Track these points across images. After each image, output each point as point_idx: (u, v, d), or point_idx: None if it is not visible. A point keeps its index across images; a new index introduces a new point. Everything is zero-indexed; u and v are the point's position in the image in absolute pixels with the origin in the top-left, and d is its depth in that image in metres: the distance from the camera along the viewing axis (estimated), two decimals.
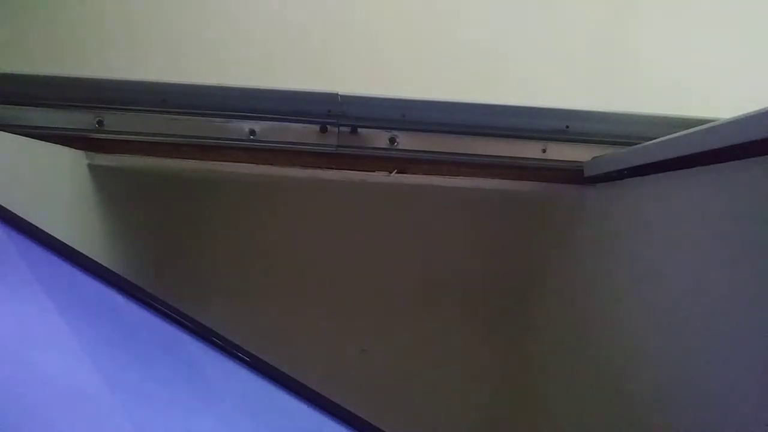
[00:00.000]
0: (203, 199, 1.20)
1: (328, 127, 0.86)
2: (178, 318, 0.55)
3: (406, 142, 0.87)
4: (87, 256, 0.56)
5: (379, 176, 0.88)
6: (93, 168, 0.87)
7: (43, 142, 0.77)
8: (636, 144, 0.76)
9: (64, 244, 0.56)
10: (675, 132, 0.66)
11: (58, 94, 0.84)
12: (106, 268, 0.56)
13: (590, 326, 0.85)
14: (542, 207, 1.06)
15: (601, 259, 0.84)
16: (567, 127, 0.86)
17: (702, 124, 0.59)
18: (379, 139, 0.87)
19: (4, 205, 0.56)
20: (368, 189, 0.93)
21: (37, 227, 0.56)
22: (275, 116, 0.86)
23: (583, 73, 1.10)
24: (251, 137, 0.86)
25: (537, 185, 0.90)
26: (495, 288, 1.24)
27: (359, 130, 0.86)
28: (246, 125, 0.86)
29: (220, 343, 0.54)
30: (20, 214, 0.56)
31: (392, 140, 0.87)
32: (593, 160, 0.85)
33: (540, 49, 1.10)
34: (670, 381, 0.61)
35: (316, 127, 0.86)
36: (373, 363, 1.25)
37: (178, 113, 0.85)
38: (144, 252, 1.10)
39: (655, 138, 0.71)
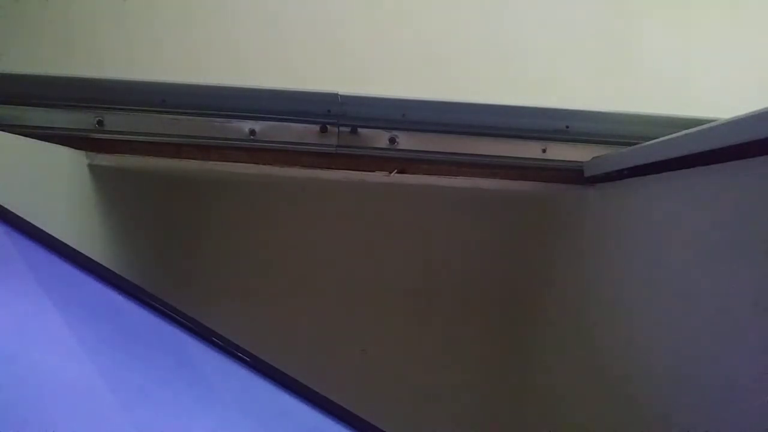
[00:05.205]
0: (203, 199, 1.20)
1: (328, 127, 0.86)
2: (178, 318, 0.55)
3: (406, 142, 0.87)
4: (87, 256, 0.56)
5: (379, 176, 0.88)
6: (93, 168, 0.87)
7: (43, 142, 0.77)
8: (636, 144, 0.76)
9: (64, 244, 0.56)
10: (675, 132, 0.66)
11: (58, 94, 0.84)
12: (106, 268, 0.56)
13: (590, 325, 0.86)
14: (542, 207, 1.06)
15: (602, 259, 0.84)
16: (567, 127, 0.86)
17: (702, 124, 0.59)
18: (379, 139, 0.87)
19: (4, 205, 0.56)
20: (368, 189, 0.92)
21: (37, 227, 0.56)
22: (275, 116, 0.86)
23: (584, 73, 1.10)
24: (251, 137, 0.86)
25: (537, 185, 0.90)
26: (495, 287, 1.24)
27: (359, 130, 0.86)
28: (246, 125, 0.86)
29: (220, 343, 0.54)
30: (20, 214, 0.56)
31: (392, 140, 0.86)
32: (593, 160, 0.85)
33: (540, 49, 1.10)
34: (672, 380, 0.61)
35: (316, 127, 0.86)
36: (373, 363, 1.25)
37: (178, 113, 0.85)
38: (144, 252, 1.10)
39: (655, 138, 0.71)
